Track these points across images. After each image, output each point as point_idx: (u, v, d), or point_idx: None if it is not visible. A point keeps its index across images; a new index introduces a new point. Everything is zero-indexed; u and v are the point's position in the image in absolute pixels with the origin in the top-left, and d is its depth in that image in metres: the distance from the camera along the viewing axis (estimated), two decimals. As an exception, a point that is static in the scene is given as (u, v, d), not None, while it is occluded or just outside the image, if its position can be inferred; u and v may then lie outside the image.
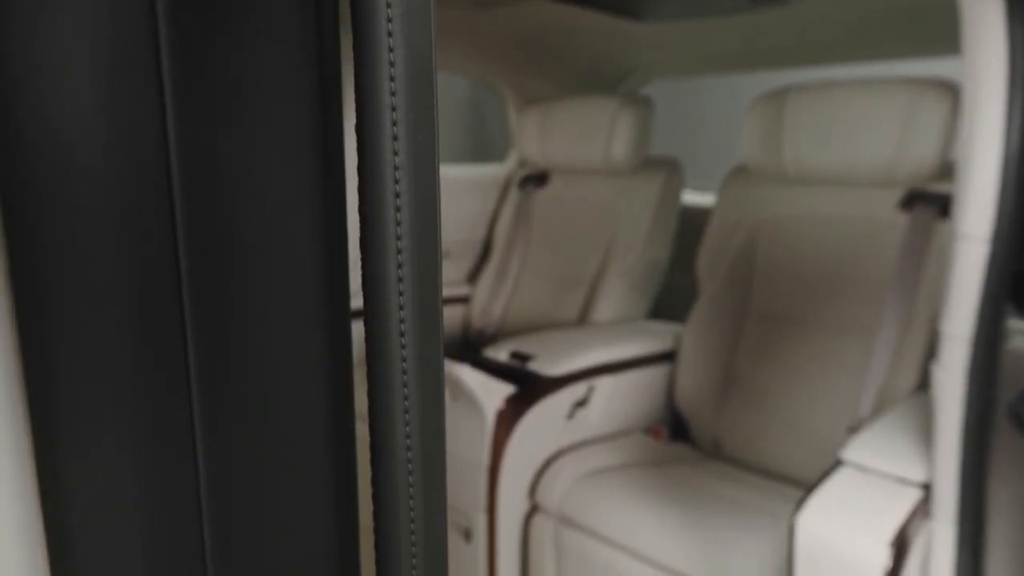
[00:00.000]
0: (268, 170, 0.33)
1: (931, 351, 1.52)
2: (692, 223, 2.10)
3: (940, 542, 1.05)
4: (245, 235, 0.33)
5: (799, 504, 1.09)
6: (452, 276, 2.43)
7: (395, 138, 0.33)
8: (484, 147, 3.17)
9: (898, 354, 1.52)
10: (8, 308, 0.30)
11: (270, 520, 0.36)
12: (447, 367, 1.50)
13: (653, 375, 1.80)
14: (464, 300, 2.39)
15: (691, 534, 1.35)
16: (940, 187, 1.54)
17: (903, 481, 1.10)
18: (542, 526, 1.55)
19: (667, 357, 1.83)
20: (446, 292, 2.35)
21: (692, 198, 2.45)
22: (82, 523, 0.32)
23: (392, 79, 0.32)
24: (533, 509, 1.59)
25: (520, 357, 1.65)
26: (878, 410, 1.48)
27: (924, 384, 1.49)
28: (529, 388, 1.55)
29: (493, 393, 1.50)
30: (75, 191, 0.29)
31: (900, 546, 1.02)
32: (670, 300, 2.22)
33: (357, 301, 0.38)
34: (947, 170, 1.54)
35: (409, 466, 0.36)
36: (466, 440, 1.53)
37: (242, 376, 0.34)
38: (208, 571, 0.35)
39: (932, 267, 1.52)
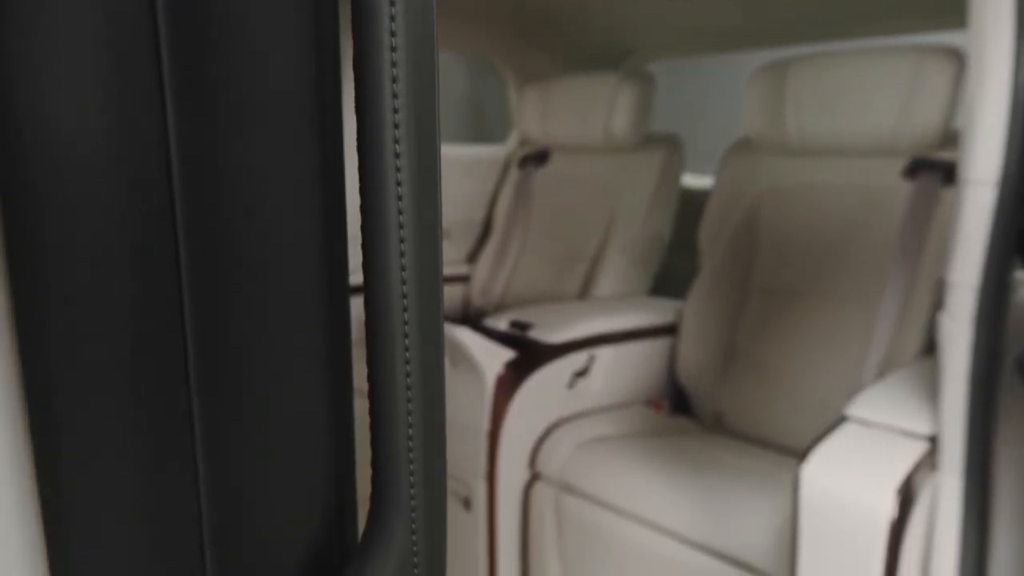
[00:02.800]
0: (268, 159, 0.33)
1: (934, 319, 1.51)
2: (694, 206, 2.08)
3: (947, 494, 1.04)
4: (245, 222, 0.33)
5: (802, 457, 1.08)
6: (451, 256, 2.42)
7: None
8: (484, 141, 3.17)
9: (901, 322, 1.51)
10: (7, 310, 0.30)
11: (270, 498, 0.36)
12: (446, 330, 1.48)
13: (654, 347, 1.79)
14: (464, 279, 2.38)
15: (692, 498, 1.33)
16: (944, 154, 1.53)
17: (909, 434, 1.08)
18: (543, 494, 1.54)
19: (669, 330, 1.82)
20: (446, 271, 2.34)
21: (693, 181, 2.44)
22: (81, 511, 0.32)
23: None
24: (533, 478, 1.57)
25: (520, 326, 1.64)
26: (881, 379, 1.47)
27: (928, 352, 1.48)
28: (529, 355, 1.54)
29: (493, 358, 1.49)
30: (75, 191, 0.29)
31: (906, 495, 1.01)
32: (671, 283, 2.21)
33: (355, 278, 0.38)
34: (951, 138, 1.54)
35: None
36: (466, 406, 1.51)
37: (241, 354, 0.34)
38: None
39: (936, 235, 1.51)
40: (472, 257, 2.45)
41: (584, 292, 2.08)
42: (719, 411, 1.73)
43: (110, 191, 0.30)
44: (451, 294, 2.38)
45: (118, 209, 0.30)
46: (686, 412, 1.82)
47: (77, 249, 0.30)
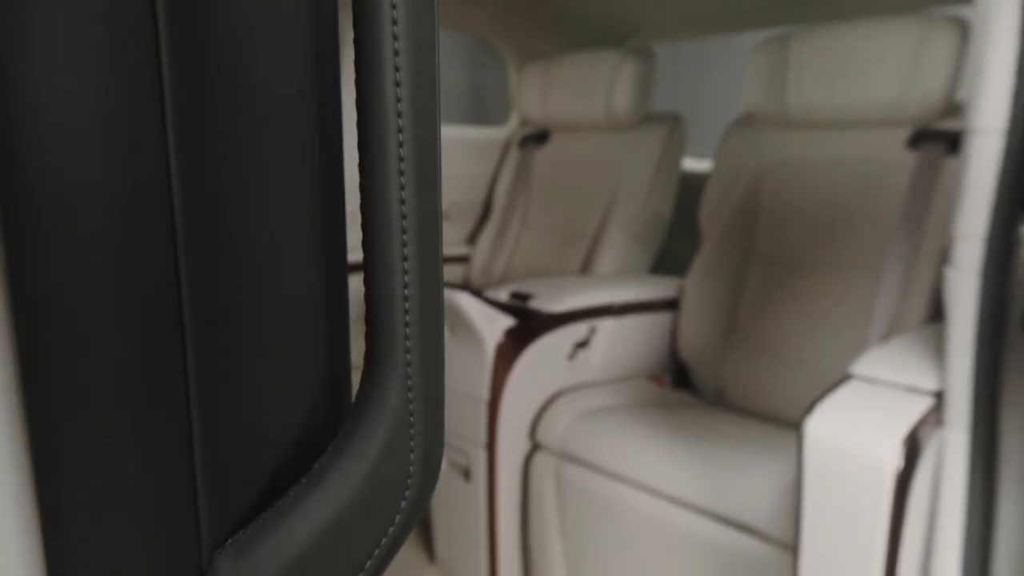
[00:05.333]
0: (266, 140, 0.33)
1: (939, 290, 1.50)
2: (695, 190, 2.07)
3: (953, 449, 1.03)
4: (242, 204, 0.33)
5: (806, 411, 1.07)
6: (451, 238, 2.41)
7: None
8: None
9: (904, 293, 1.50)
10: (6, 314, 0.30)
11: (267, 473, 0.36)
12: (446, 295, 1.47)
13: (656, 321, 1.78)
14: (464, 259, 2.37)
15: (694, 463, 1.32)
16: (948, 124, 1.52)
17: (914, 390, 1.07)
18: (543, 463, 1.52)
19: (670, 305, 1.80)
20: (445, 251, 2.33)
21: (693, 165, 2.43)
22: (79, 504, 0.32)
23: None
24: (534, 448, 1.56)
25: (520, 296, 1.63)
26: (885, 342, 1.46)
27: (931, 322, 1.46)
28: (529, 324, 1.52)
29: (493, 325, 1.48)
30: (73, 192, 0.29)
31: (912, 447, 1.00)
32: (672, 267, 2.20)
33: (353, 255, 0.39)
34: (954, 108, 1.53)
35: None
36: (465, 374, 1.50)
37: (240, 330, 0.34)
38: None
39: (939, 205, 1.50)
40: (472, 239, 2.44)
41: (585, 270, 2.07)
42: (721, 386, 1.72)
43: (108, 176, 0.29)
44: (451, 274, 2.36)
45: (115, 199, 0.30)
46: (687, 388, 1.81)
47: (77, 246, 0.29)
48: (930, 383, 1.07)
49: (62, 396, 0.30)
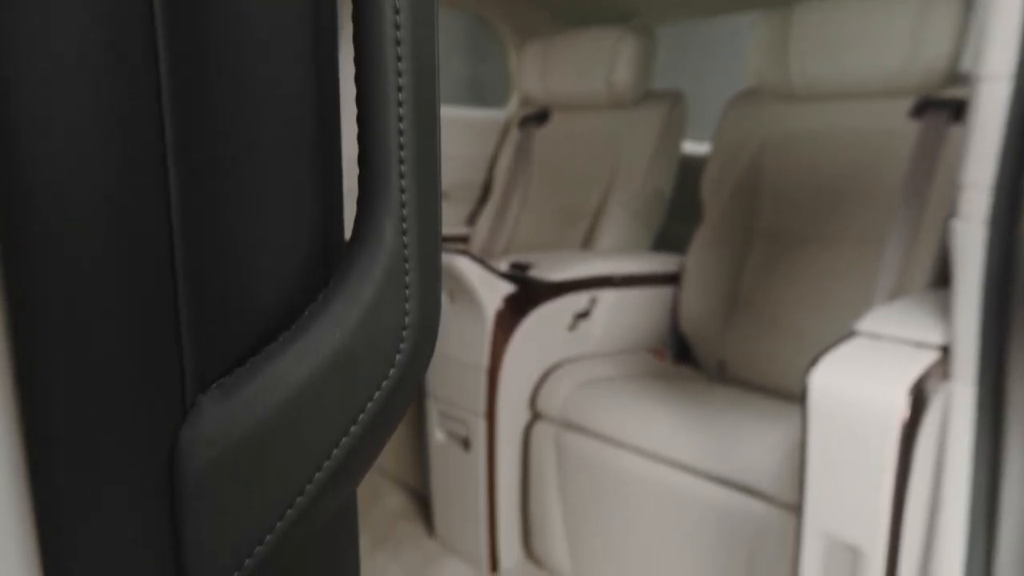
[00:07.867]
0: (265, 129, 0.33)
1: (942, 260, 1.49)
2: (695, 172, 2.05)
3: (960, 402, 1.01)
4: (240, 192, 0.33)
5: (811, 364, 1.05)
6: (451, 218, 2.40)
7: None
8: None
9: (907, 262, 1.48)
10: (5, 313, 0.30)
11: (258, 324, 0.35)
12: (444, 258, 1.46)
13: (657, 295, 1.76)
14: (463, 240, 2.36)
15: (696, 427, 1.30)
16: (952, 92, 1.51)
17: (920, 344, 1.06)
18: (543, 432, 1.51)
19: (672, 279, 1.79)
20: (445, 231, 2.32)
21: (694, 147, 2.41)
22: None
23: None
24: (534, 418, 1.54)
25: (520, 267, 1.61)
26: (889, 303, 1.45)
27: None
28: (529, 291, 1.51)
29: (493, 291, 1.46)
30: (72, 192, 0.29)
31: (918, 398, 0.98)
32: (673, 250, 2.18)
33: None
34: (958, 77, 1.51)
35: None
36: (465, 341, 1.48)
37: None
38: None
39: (943, 174, 1.48)
40: (471, 220, 2.43)
41: (586, 247, 2.06)
42: (723, 360, 1.70)
43: (107, 176, 0.29)
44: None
45: (115, 198, 0.30)
46: (689, 362, 1.80)
47: (74, 242, 0.29)
48: (936, 338, 1.06)
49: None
